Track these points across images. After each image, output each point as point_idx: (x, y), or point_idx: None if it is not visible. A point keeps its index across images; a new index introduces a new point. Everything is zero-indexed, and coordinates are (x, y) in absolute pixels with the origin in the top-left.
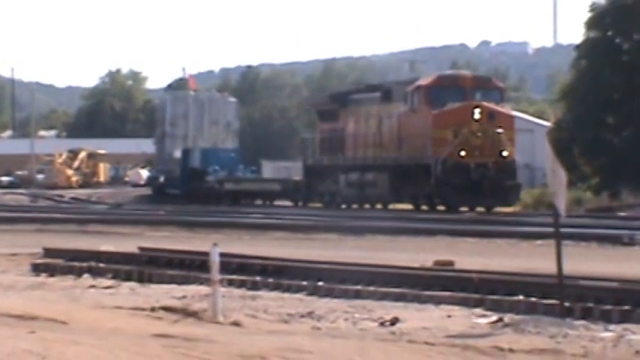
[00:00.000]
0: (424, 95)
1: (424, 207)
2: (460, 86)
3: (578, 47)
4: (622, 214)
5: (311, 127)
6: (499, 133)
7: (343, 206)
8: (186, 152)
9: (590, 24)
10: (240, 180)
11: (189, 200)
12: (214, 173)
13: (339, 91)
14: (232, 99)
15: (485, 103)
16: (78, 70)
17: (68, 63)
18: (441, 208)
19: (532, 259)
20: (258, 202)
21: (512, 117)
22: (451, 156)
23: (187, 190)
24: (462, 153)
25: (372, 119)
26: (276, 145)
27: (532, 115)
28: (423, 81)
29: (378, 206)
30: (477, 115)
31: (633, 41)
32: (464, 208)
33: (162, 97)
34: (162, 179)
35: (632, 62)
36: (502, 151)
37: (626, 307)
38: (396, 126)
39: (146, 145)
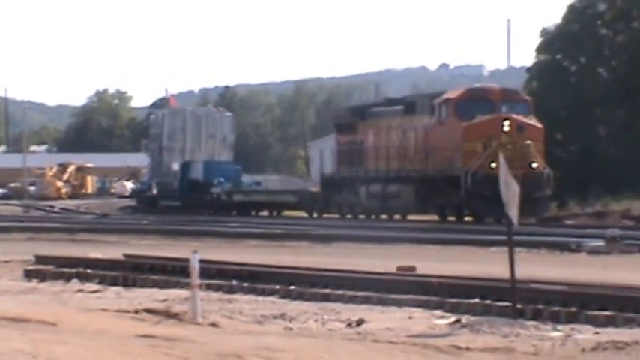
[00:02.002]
0: (453, 108)
1: (451, 218)
2: (488, 99)
3: (529, 69)
4: (569, 222)
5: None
6: (528, 145)
7: (362, 217)
8: (185, 165)
9: (541, 48)
10: (249, 192)
11: (188, 211)
12: (219, 185)
13: (358, 105)
14: (228, 114)
15: (514, 116)
16: (68, 90)
17: (58, 82)
18: (467, 218)
19: (487, 264)
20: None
21: (541, 129)
22: (481, 168)
23: (187, 201)
24: (493, 165)
25: (393, 132)
26: (252, 159)
27: None
28: (452, 94)
29: (397, 216)
30: (506, 128)
31: (579, 64)
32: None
33: (158, 112)
34: (155, 191)
35: (578, 83)
36: (531, 163)
37: (573, 309)
38: (422, 138)
39: (131, 160)
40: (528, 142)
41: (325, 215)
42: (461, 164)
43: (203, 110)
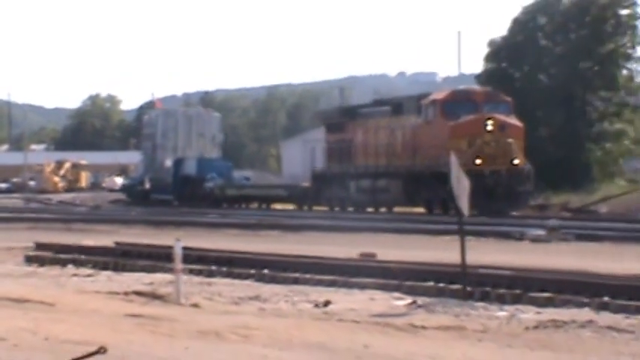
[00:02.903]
0: (440, 108)
1: (437, 210)
2: (472, 100)
3: (478, 76)
4: (514, 213)
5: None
6: (510, 142)
7: (350, 209)
8: (178, 161)
9: (488, 57)
10: (241, 186)
11: (181, 204)
12: (212, 180)
13: (347, 106)
14: (217, 114)
15: (496, 115)
16: (64, 94)
17: (56, 87)
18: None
19: (441, 251)
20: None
21: (521, 128)
22: (467, 164)
23: (180, 195)
24: (477, 161)
25: (381, 131)
26: (229, 157)
27: None
28: (438, 95)
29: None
30: (489, 127)
31: (523, 71)
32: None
33: (152, 113)
34: (147, 185)
35: (522, 89)
36: (513, 159)
37: (518, 291)
38: (409, 136)
39: (120, 157)
40: (510, 140)
41: (315, 208)
42: (447, 161)
43: (194, 111)
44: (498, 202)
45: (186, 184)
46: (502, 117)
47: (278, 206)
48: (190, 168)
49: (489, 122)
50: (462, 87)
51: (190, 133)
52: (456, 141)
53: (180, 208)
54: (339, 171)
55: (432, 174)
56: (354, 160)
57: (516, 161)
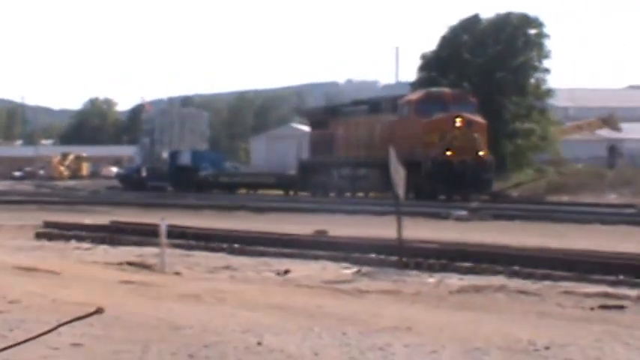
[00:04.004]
0: (414, 107)
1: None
2: (443, 100)
3: (412, 84)
4: (442, 197)
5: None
6: (475, 137)
7: (332, 194)
8: (174, 153)
9: (421, 68)
10: (233, 174)
11: (177, 190)
12: (206, 169)
13: (330, 105)
14: (205, 113)
15: (464, 114)
16: (68, 97)
17: (62, 92)
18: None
19: (381, 229)
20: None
21: (485, 124)
22: (438, 155)
23: (175, 182)
24: (448, 153)
25: (361, 127)
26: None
27: None
28: (413, 96)
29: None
30: (458, 123)
31: (449, 80)
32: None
33: (150, 112)
34: (144, 174)
35: None
36: (478, 151)
37: (444, 261)
38: (387, 131)
39: (115, 150)
40: (475, 134)
41: (300, 194)
42: (422, 152)
43: (186, 110)
44: (465, 187)
45: (181, 173)
46: (468, 115)
47: (268, 192)
48: (185, 159)
49: (458, 120)
50: (434, 89)
51: (183, 129)
52: (428, 135)
53: (176, 193)
54: (323, 161)
55: (407, 163)
56: (336, 151)
57: (481, 153)
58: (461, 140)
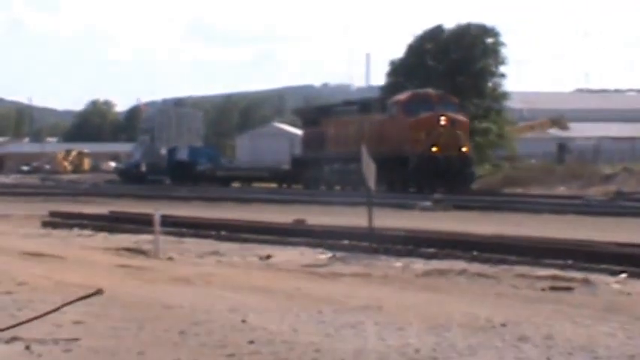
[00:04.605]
0: (402, 107)
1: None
2: (428, 100)
3: (382, 88)
4: (411, 190)
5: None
6: (459, 134)
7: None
8: (172, 149)
9: (390, 73)
10: (230, 169)
11: (175, 184)
12: (203, 164)
13: (321, 105)
14: (200, 112)
15: (448, 113)
16: (71, 99)
17: (66, 93)
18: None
19: (354, 218)
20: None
21: (467, 122)
22: (425, 151)
23: (173, 176)
24: (433, 149)
25: (351, 125)
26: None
27: None
28: (402, 96)
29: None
30: (442, 122)
31: (415, 85)
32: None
33: (149, 111)
34: (143, 169)
35: None
36: (461, 147)
37: (410, 247)
38: (376, 129)
39: (113, 147)
40: (459, 132)
41: (294, 187)
42: (409, 148)
43: (183, 110)
44: (449, 181)
45: (179, 168)
46: (452, 114)
47: (260, 185)
48: (183, 154)
49: (442, 118)
50: (420, 90)
51: (181, 127)
52: (415, 133)
53: (170, 186)
54: (315, 157)
55: (396, 158)
56: (327, 148)
57: (464, 149)
58: (445, 137)
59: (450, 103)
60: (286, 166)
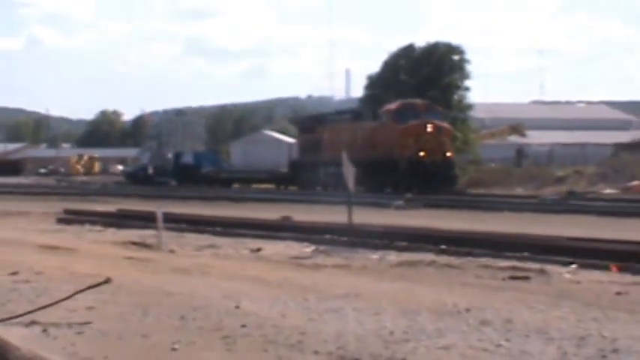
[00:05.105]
0: (392, 115)
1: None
2: (416, 109)
3: (361, 100)
4: (388, 191)
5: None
6: (444, 140)
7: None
8: (178, 154)
9: (367, 86)
10: (232, 171)
11: (180, 186)
12: (207, 167)
13: (316, 114)
14: (202, 120)
15: (434, 121)
16: (84, 109)
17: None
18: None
19: (335, 215)
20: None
21: (451, 130)
22: (413, 155)
23: (179, 179)
24: (421, 153)
25: (344, 131)
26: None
27: None
28: (392, 106)
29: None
30: (429, 129)
31: (390, 97)
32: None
33: (153, 120)
34: (150, 171)
35: None
36: (446, 152)
37: (385, 241)
38: (368, 135)
39: (121, 152)
40: (444, 138)
41: (290, 188)
42: (398, 153)
43: (187, 118)
44: (435, 183)
45: (185, 170)
46: (437, 122)
47: (261, 186)
48: (188, 158)
49: (429, 126)
50: (408, 100)
51: (185, 134)
52: (404, 139)
53: (171, 187)
54: (311, 160)
55: (387, 162)
56: (322, 152)
57: (448, 154)
58: (431, 143)
59: (436, 112)
60: (284, 169)
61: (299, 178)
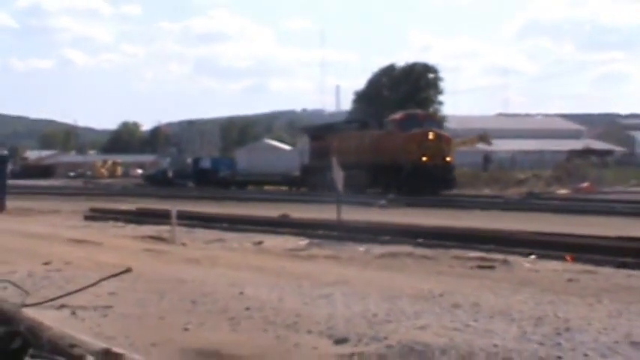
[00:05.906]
0: (397, 124)
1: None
2: (418, 119)
3: (349, 112)
4: (371, 191)
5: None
6: (443, 147)
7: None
8: (196, 159)
9: (355, 101)
10: (247, 174)
11: (199, 188)
12: (223, 171)
13: (326, 123)
14: (217, 129)
15: (434, 129)
16: (108, 120)
17: (103, 116)
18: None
19: (326, 213)
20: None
21: (450, 138)
22: (416, 160)
23: (198, 181)
24: (423, 158)
25: (352, 139)
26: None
27: None
28: (397, 116)
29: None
30: (430, 136)
31: (375, 110)
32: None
33: (171, 129)
34: (170, 175)
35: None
36: (446, 157)
37: (370, 235)
38: (375, 142)
39: (140, 158)
40: (443, 145)
41: (301, 189)
42: (403, 158)
43: (204, 127)
44: (436, 186)
45: (203, 174)
46: (437, 130)
47: (272, 188)
48: (206, 163)
49: (430, 133)
50: (411, 111)
51: (202, 141)
52: (408, 145)
53: (186, 188)
54: (320, 165)
55: (392, 166)
56: (331, 158)
57: (448, 159)
58: (432, 149)
59: (435, 122)
60: (296, 173)
61: (309, 181)
